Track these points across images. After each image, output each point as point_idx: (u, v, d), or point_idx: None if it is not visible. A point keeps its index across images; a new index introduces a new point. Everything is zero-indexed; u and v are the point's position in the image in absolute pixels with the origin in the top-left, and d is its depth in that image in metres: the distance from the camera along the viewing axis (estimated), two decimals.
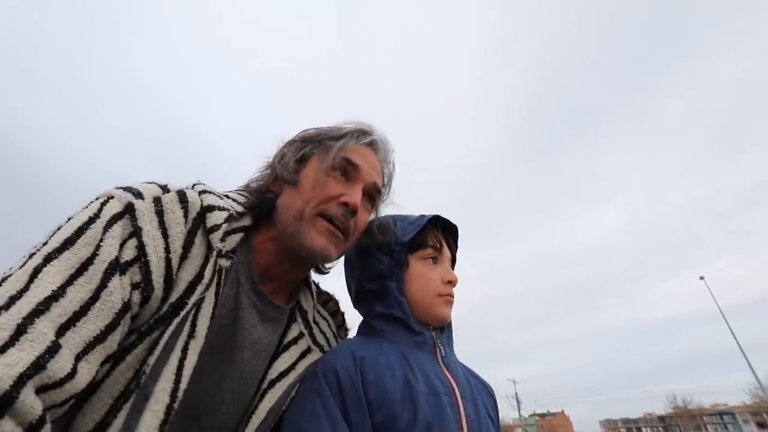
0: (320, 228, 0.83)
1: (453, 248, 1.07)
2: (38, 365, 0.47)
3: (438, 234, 1.02)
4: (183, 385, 0.64)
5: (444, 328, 0.99)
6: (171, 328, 0.64)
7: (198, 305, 0.69)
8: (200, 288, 0.68)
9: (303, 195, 0.84)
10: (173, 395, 0.63)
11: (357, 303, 1.05)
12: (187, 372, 0.65)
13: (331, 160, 0.86)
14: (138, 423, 0.59)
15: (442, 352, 0.93)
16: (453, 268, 1.06)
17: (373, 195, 0.95)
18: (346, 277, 1.09)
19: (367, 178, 0.90)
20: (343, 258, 1.04)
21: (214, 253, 0.71)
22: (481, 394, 0.94)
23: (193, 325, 0.68)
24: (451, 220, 1.05)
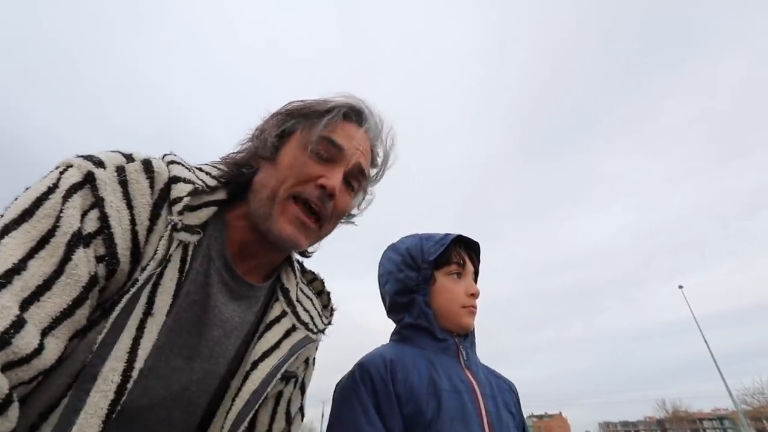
0: (290, 215, 0.77)
1: (476, 263, 1.21)
2: (3, 340, 0.46)
3: (461, 251, 1.16)
4: (138, 364, 0.61)
5: (467, 334, 1.13)
6: (121, 305, 0.60)
7: (156, 282, 0.65)
8: (153, 264, 0.63)
9: (279, 173, 0.78)
10: (126, 374, 0.59)
11: (390, 313, 1.20)
12: (144, 351, 0.62)
13: (313, 137, 0.79)
14: (83, 404, 0.55)
15: (465, 355, 1.07)
16: (476, 281, 1.21)
17: (357, 177, 0.86)
18: (380, 291, 1.24)
19: (351, 159, 0.83)
20: (331, 239, 0.97)
21: (169, 226, 0.66)
22: (503, 391, 1.09)
23: (150, 302, 0.64)
24: (473, 238, 1.19)
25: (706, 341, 22.27)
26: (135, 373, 0.60)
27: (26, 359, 0.48)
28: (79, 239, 0.56)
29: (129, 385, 0.59)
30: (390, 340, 1.15)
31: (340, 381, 1.00)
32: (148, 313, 0.63)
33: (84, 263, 0.56)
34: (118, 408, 0.58)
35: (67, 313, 0.53)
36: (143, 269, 0.63)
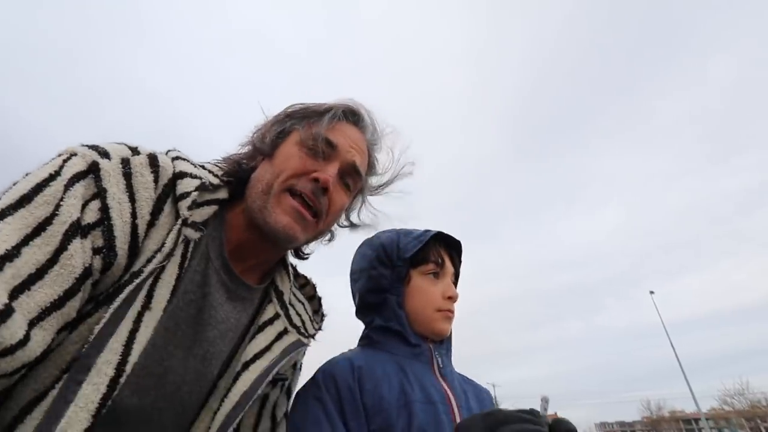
0: (286, 206, 0.77)
1: (457, 264, 1.09)
2: None
3: (441, 250, 1.04)
4: (133, 358, 0.59)
5: (443, 340, 1.02)
6: (123, 296, 0.59)
7: (157, 275, 0.64)
8: (159, 257, 0.63)
9: (275, 168, 0.80)
10: (119, 368, 0.57)
11: (359, 314, 1.09)
12: (139, 345, 0.61)
13: (309, 135, 0.81)
14: (75, 395, 0.53)
15: (440, 363, 0.96)
16: (456, 283, 1.09)
17: (353, 175, 0.87)
18: (351, 288, 1.12)
19: (346, 156, 0.84)
20: (331, 242, 1.01)
21: (179, 221, 0.66)
22: (480, 401, 0.98)
23: (149, 296, 0.63)
24: (455, 236, 1.07)
25: (672, 345, 23.13)
26: (128, 368, 0.58)
27: (10, 350, 0.46)
28: (77, 229, 0.55)
29: (122, 380, 0.57)
30: (358, 344, 1.05)
31: (301, 388, 0.89)
32: (146, 306, 0.62)
33: (80, 254, 0.54)
34: (109, 403, 0.56)
35: (57, 304, 0.52)
36: (149, 261, 0.62)
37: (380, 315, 1.00)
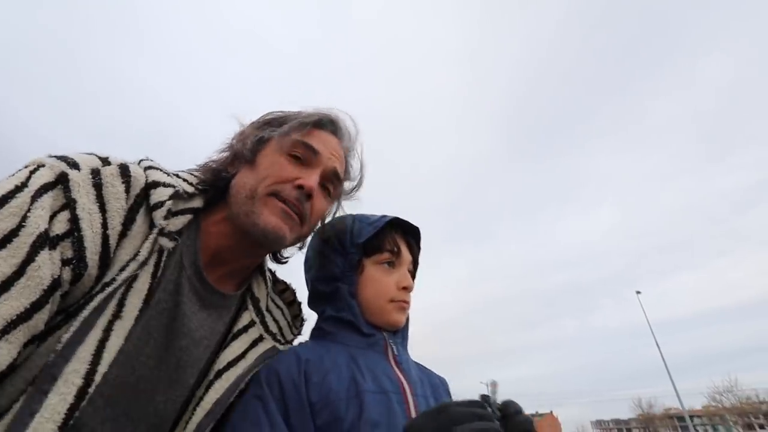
0: (273, 207, 0.78)
1: (415, 251, 1.03)
2: None
3: (397, 237, 0.98)
4: (102, 368, 0.58)
5: (398, 330, 0.97)
6: (93, 304, 0.58)
7: (129, 284, 0.63)
8: (133, 265, 0.63)
9: (258, 174, 0.81)
10: (88, 378, 0.56)
11: (310, 304, 1.03)
12: (110, 354, 0.59)
13: (291, 142, 0.83)
14: (41, 406, 0.51)
15: (395, 351, 0.92)
16: (415, 272, 1.04)
17: (333, 181, 0.90)
18: (305, 277, 1.06)
19: (327, 163, 0.86)
20: (302, 250, 1.02)
21: (155, 230, 0.66)
22: (437, 390, 0.94)
23: (121, 304, 0.62)
24: (412, 222, 1.01)
25: (657, 344, 23.35)
26: (98, 377, 0.57)
27: None
28: (44, 241, 0.54)
29: (90, 390, 0.56)
30: (310, 336, 0.98)
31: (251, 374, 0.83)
32: (117, 315, 0.61)
33: (47, 266, 0.53)
34: (77, 414, 0.54)
35: (23, 317, 0.51)
36: (122, 270, 0.62)
37: (332, 305, 0.95)
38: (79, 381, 0.55)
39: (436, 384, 0.96)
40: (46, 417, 0.51)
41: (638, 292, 26.88)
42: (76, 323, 0.56)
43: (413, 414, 0.79)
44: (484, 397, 0.64)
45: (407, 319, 0.98)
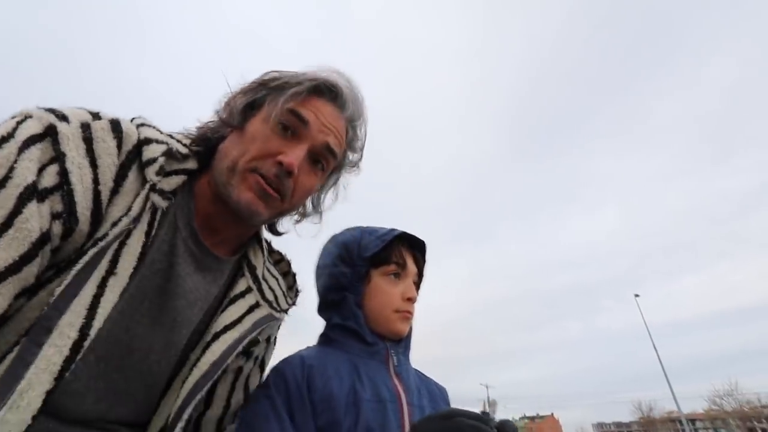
0: (251, 183, 0.74)
1: (420, 263, 1.09)
2: None
3: (403, 250, 1.04)
4: (97, 323, 0.57)
5: (401, 339, 1.02)
6: (86, 258, 0.57)
7: (122, 241, 0.62)
8: (125, 221, 0.61)
9: (242, 145, 0.76)
10: (83, 332, 0.56)
11: (320, 311, 1.08)
12: (104, 310, 0.59)
13: (278, 110, 0.75)
14: (36, 357, 0.51)
15: (395, 361, 0.97)
16: (420, 284, 1.10)
17: (326, 156, 0.81)
18: (315, 285, 1.11)
19: (317, 136, 0.78)
20: (299, 224, 0.97)
21: (147, 186, 0.64)
22: (436, 400, 0.99)
23: (115, 261, 0.61)
24: (419, 236, 1.07)
25: (654, 347, 23.38)
26: (93, 332, 0.57)
27: None
28: (32, 193, 0.52)
29: (86, 343, 0.56)
30: (317, 342, 1.04)
31: (256, 386, 0.92)
32: (111, 271, 0.60)
33: (36, 218, 0.52)
34: (72, 366, 0.55)
35: (12, 269, 0.50)
36: (114, 225, 0.60)
37: (339, 313, 1.01)
38: (74, 334, 0.55)
39: (434, 392, 1.02)
40: (41, 368, 0.51)
41: (636, 295, 26.98)
42: (68, 277, 0.56)
43: (407, 422, 0.85)
44: (485, 414, 0.66)
45: (410, 329, 1.03)
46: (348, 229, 1.08)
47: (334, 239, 1.08)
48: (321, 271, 1.07)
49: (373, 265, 1.01)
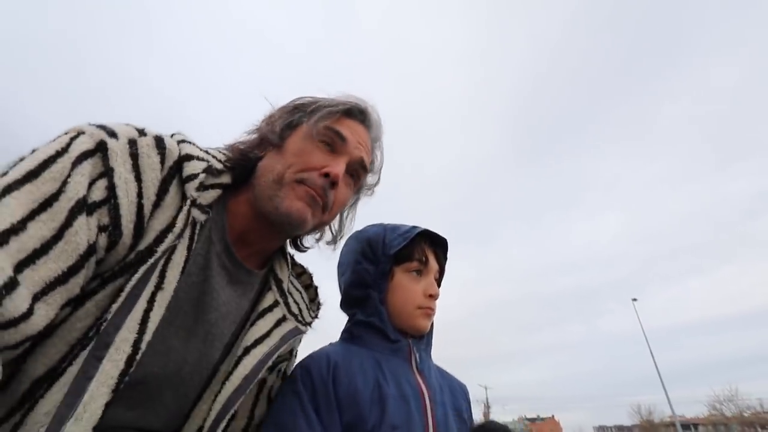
0: (300, 193, 0.78)
1: (442, 261, 1.11)
2: None
3: (425, 247, 1.05)
4: (147, 337, 0.61)
5: (423, 336, 1.04)
6: (138, 275, 0.60)
7: (168, 256, 0.65)
8: (171, 237, 0.64)
9: (285, 159, 0.80)
10: (136, 346, 0.59)
11: (343, 307, 1.10)
12: (153, 324, 0.62)
13: (320, 129, 0.82)
14: (96, 371, 0.55)
15: (417, 358, 0.98)
16: (441, 280, 1.12)
17: (359, 171, 0.90)
18: (338, 281, 1.13)
19: (354, 152, 0.86)
20: (319, 242, 1.01)
21: (188, 202, 0.67)
22: (456, 397, 1.01)
23: (162, 276, 0.64)
24: (441, 234, 1.08)
25: (651, 351, 23.68)
26: (143, 346, 0.60)
27: (13, 322, 0.47)
28: (82, 206, 0.55)
29: (137, 357, 0.60)
30: (340, 338, 1.06)
31: (283, 382, 0.93)
32: (159, 286, 0.63)
33: (84, 231, 0.55)
34: (126, 379, 0.58)
35: (61, 279, 0.52)
36: (158, 241, 0.63)
37: (362, 310, 1.02)
38: (128, 348, 0.58)
39: (455, 389, 1.03)
40: (101, 381, 0.55)
41: (634, 300, 26.95)
42: (123, 294, 0.59)
43: (430, 420, 0.87)
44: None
45: (432, 325, 1.05)
46: (370, 226, 1.09)
47: (356, 236, 1.09)
48: (344, 267, 1.09)
49: (396, 262, 1.02)
